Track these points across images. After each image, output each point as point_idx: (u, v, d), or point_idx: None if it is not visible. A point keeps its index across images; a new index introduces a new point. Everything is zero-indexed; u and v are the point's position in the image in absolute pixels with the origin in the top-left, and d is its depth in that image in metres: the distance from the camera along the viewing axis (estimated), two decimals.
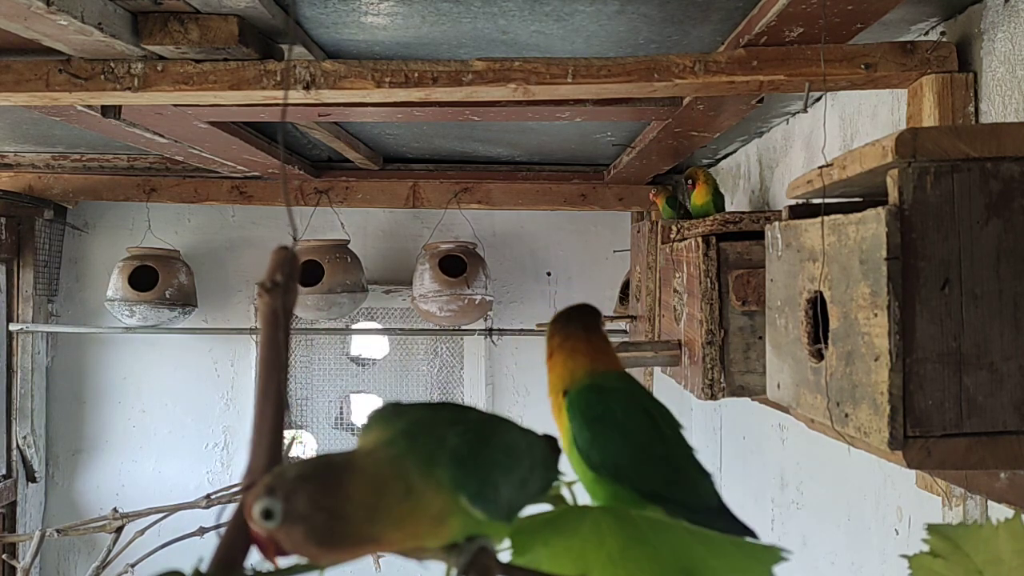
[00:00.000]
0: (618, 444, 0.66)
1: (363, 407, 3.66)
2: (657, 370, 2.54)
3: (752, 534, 0.66)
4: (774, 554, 0.49)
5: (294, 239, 0.49)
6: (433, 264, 3.18)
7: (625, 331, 2.60)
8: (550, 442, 0.60)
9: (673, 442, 0.69)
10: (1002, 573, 0.54)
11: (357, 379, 3.64)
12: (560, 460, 0.59)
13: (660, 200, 2.58)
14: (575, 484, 0.61)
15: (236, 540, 0.40)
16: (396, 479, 0.42)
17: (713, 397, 1.55)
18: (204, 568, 0.39)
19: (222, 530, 0.41)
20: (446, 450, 0.45)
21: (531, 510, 0.54)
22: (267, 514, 0.39)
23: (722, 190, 2.42)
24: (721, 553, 0.49)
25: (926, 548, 0.56)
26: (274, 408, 0.43)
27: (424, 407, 0.49)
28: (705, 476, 0.69)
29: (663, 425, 0.69)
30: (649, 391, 0.72)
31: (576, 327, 0.72)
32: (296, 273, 0.44)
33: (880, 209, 0.74)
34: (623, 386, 0.69)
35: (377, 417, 0.48)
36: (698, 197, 2.30)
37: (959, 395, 0.72)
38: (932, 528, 0.57)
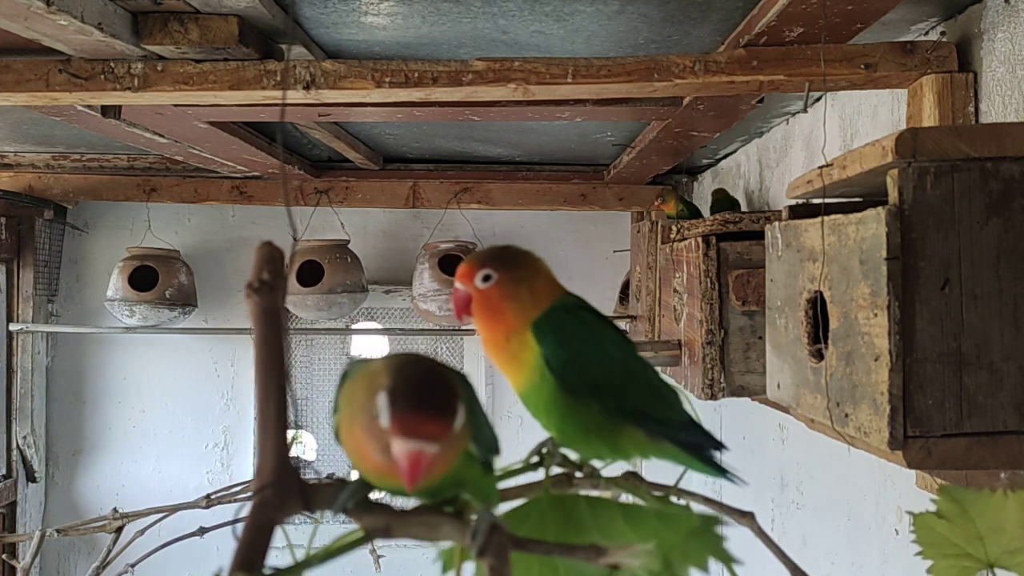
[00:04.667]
0: (598, 361, 0.63)
1: None
2: (657, 370, 2.54)
3: (722, 446, 0.65)
4: (689, 520, 0.50)
5: (294, 239, 0.50)
6: (432, 264, 3.18)
7: (625, 331, 2.60)
8: None
9: (641, 360, 0.66)
10: (1003, 543, 0.55)
11: None
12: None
13: (670, 206, 2.54)
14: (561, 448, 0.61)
15: (255, 541, 0.40)
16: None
17: (713, 397, 1.55)
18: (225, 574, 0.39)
19: (238, 531, 0.41)
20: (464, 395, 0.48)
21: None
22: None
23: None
24: (641, 526, 0.51)
25: (933, 508, 0.57)
26: (276, 408, 0.43)
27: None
28: (673, 392, 0.67)
29: (629, 343, 0.67)
30: (598, 312, 0.68)
31: (519, 263, 0.66)
32: (283, 268, 0.44)
33: (880, 209, 0.74)
34: (583, 305, 0.66)
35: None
36: (669, 210, 2.46)
37: (959, 395, 0.72)
38: (944, 489, 0.57)
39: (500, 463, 0.57)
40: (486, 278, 0.64)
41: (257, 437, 0.43)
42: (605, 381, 0.62)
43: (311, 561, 0.44)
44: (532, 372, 0.63)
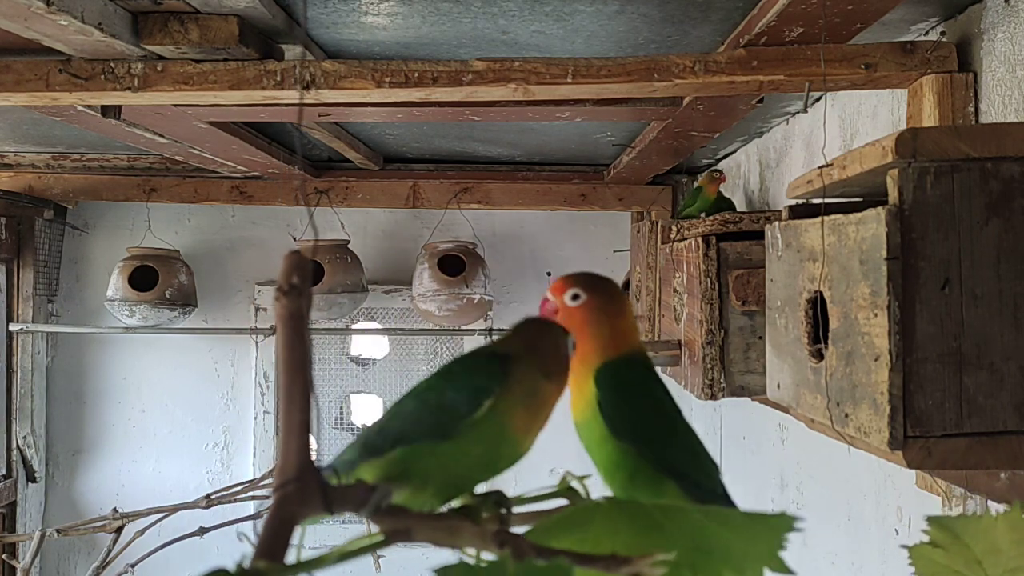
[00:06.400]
0: (648, 413, 0.67)
1: (363, 407, 3.66)
2: (657, 370, 2.54)
3: None
4: (786, 522, 0.49)
5: (314, 239, 0.51)
6: (432, 264, 3.18)
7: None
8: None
9: (688, 426, 0.70)
10: (1001, 563, 0.55)
11: (357, 379, 3.64)
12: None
13: (713, 190, 2.45)
14: (586, 479, 0.61)
15: (278, 533, 0.41)
16: None
17: (713, 397, 1.55)
18: (247, 565, 0.40)
19: (249, 532, 0.41)
20: None
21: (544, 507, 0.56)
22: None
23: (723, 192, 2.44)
24: (733, 526, 0.50)
25: (926, 539, 0.57)
26: (300, 409, 0.44)
27: None
28: (712, 462, 0.70)
29: (679, 409, 0.70)
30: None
31: (617, 296, 0.71)
32: (309, 276, 0.45)
33: (880, 209, 0.74)
34: (650, 365, 0.71)
35: None
36: (712, 193, 2.35)
37: (959, 395, 0.72)
38: (932, 519, 0.57)
39: (512, 483, 0.59)
40: (575, 296, 0.69)
41: (280, 436, 0.45)
42: (650, 434, 0.66)
43: (327, 559, 0.44)
44: (588, 407, 0.67)
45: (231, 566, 0.39)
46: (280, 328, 0.44)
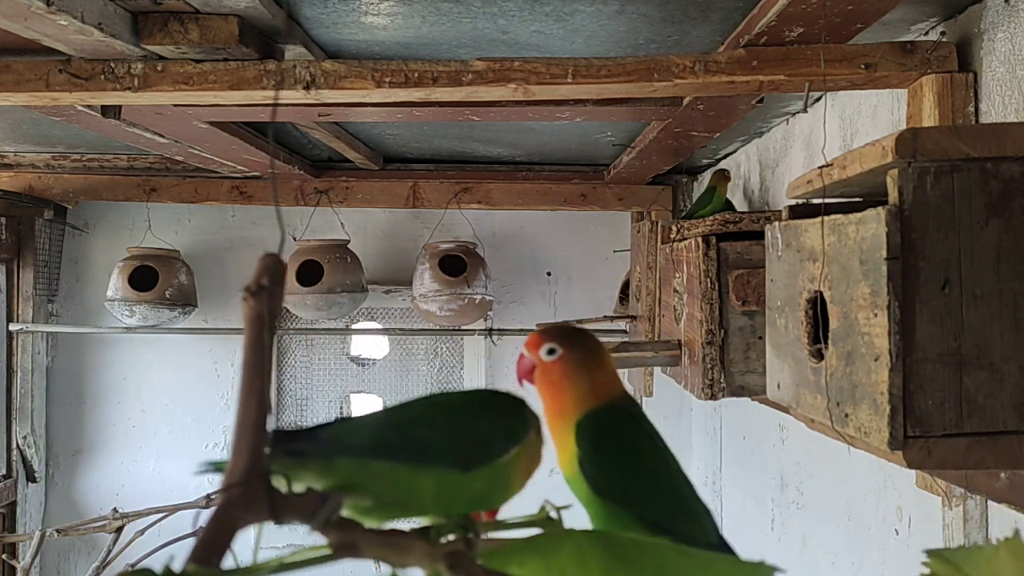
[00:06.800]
0: (627, 470, 0.65)
1: (363, 407, 3.66)
2: (657, 370, 2.54)
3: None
4: (765, 571, 0.49)
5: (282, 240, 0.50)
6: (433, 264, 3.18)
7: (625, 331, 2.60)
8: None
9: (678, 474, 0.68)
10: None
11: (357, 379, 3.64)
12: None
13: (724, 189, 2.44)
14: (564, 509, 0.61)
15: (215, 538, 0.40)
16: None
17: (713, 397, 1.55)
18: (176, 568, 0.39)
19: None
20: None
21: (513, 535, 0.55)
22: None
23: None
24: (710, 569, 0.49)
25: (927, 571, 0.56)
26: (257, 410, 0.43)
27: None
28: (706, 511, 0.68)
29: (669, 456, 0.68)
30: (649, 420, 0.70)
31: (594, 347, 0.69)
32: (282, 279, 0.45)
33: (880, 209, 0.74)
34: (634, 412, 0.68)
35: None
36: (724, 193, 2.36)
37: (959, 395, 0.72)
38: (932, 553, 0.56)
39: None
40: (551, 351, 0.67)
41: (234, 437, 0.43)
42: (631, 491, 0.64)
43: (264, 568, 0.43)
44: (571, 463, 0.65)
45: (158, 568, 0.38)
46: (245, 328, 0.44)
